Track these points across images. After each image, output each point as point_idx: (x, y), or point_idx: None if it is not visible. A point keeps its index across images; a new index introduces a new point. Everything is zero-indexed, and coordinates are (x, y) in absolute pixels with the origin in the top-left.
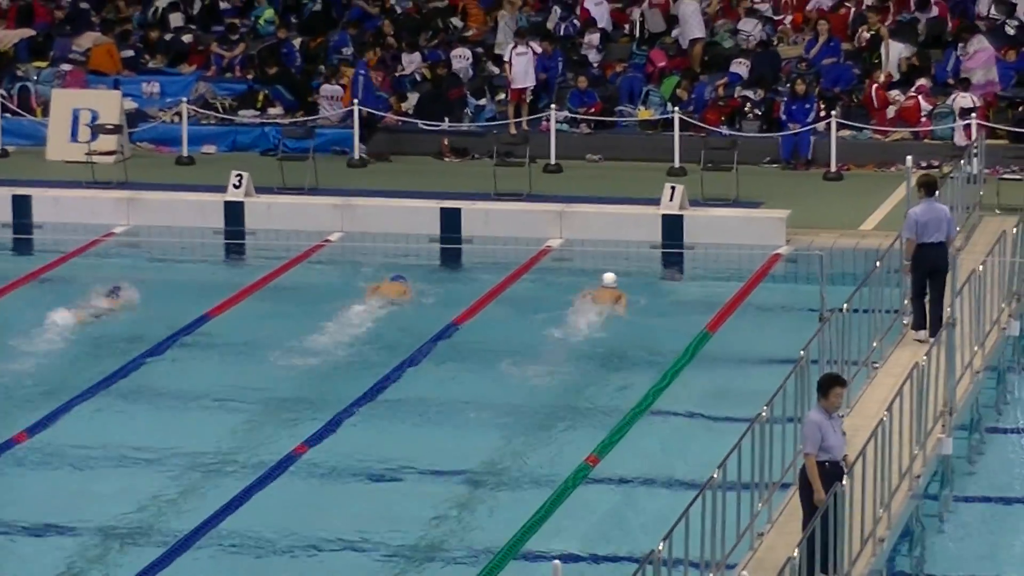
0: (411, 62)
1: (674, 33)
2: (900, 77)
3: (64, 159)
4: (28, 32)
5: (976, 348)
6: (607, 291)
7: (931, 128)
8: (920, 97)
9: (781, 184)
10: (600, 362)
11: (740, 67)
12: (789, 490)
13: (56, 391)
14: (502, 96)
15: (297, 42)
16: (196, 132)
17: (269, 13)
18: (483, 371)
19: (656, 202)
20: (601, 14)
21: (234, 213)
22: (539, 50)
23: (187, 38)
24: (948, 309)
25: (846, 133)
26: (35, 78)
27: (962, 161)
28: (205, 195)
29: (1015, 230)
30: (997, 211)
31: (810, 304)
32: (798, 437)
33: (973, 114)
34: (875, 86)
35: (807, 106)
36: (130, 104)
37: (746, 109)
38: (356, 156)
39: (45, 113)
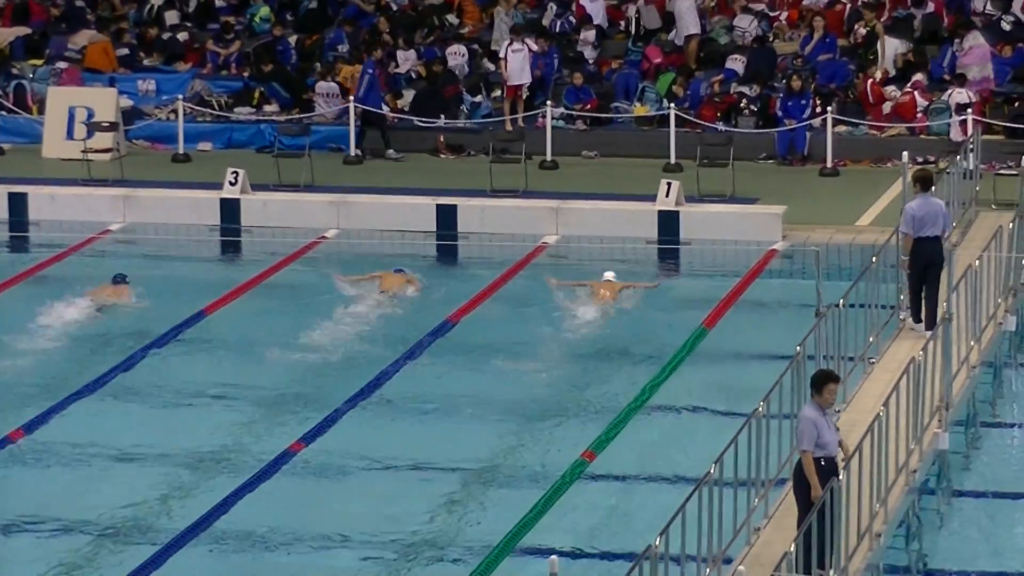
0: (406, 59)
1: (672, 35)
2: (896, 73)
3: (60, 157)
4: (24, 30)
5: (972, 343)
6: (607, 285)
7: (927, 124)
8: (916, 93)
9: (777, 180)
10: (596, 358)
11: (736, 63)
12: (786, 485)
13: (51, 388)
14: (498, 93)
15: (293, 39)
16: (192, 129)
17: (265, 11)
18: (479, 367)
19: (652, 198)
20: (597, 11)
21: (230, 210)
22: (535, 47)
23: (183, 36)
24: (944, 304)
25: (842, 129)
26: (31, 76)
27: (958, 157)
28: (201, 192)
29: (1011, 225)
30: (993, 206)
31: (806, 300)
32: (794, 433)
33: (969, 110)
34: (870, 82)
35: (803, 102)
36: (126, 102)
37: (742, 105)
38: (352, 153)
39: (41, 111)
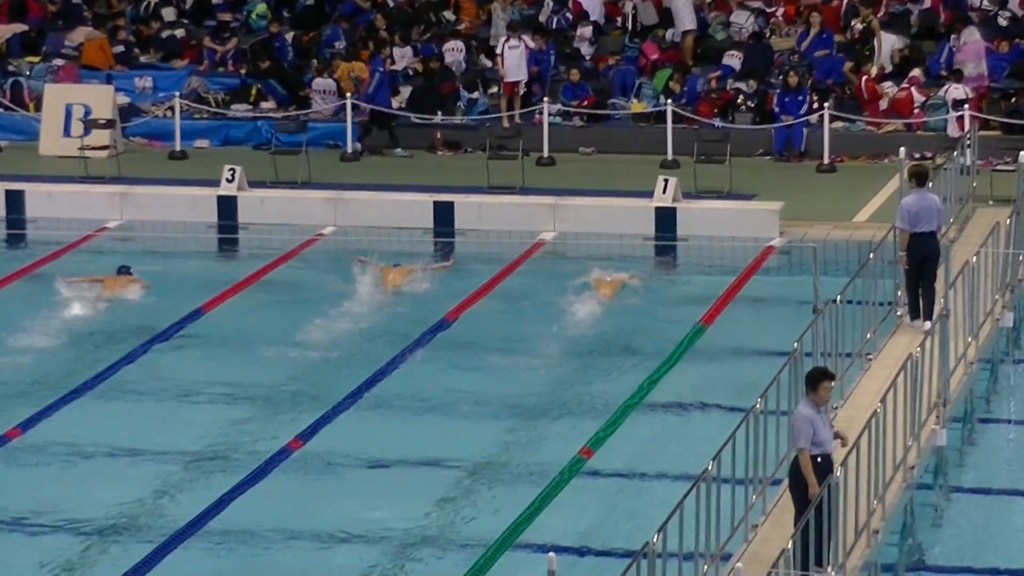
0: (403, 56)
1: (669, 34)
2: (893, 69)
3: (57, 154)
4: (20, 27)
5: (970, 339)
6: (607, 282)
7: (924, 120)
8: (913, 88)
9: (774, 176)
10: (594, 355)
11: (733, 59)
12: (783, 483)
13: (48, 386)
14: (495, 89)
15: (289, 36)
16: (189, 127)
17: (261, 8)
18: (477, 364)
19: (649, 195)
20: (593, 7)
21: (227, 207)
22: (532, 43)
23: (179, 33)
24: (942, 300)
25: (839, 125)
26: (27, 73)
27: (955, 152)
28: (198, 189)
29: (1008, 221)
30: (990, 202)
31: (804, 296)
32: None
33: (966, 105)
34: (865, 78)
35: (800, 98)
36: (123, 99)
37: (739, 101)
38: (350, 150)
39: (38, 108)
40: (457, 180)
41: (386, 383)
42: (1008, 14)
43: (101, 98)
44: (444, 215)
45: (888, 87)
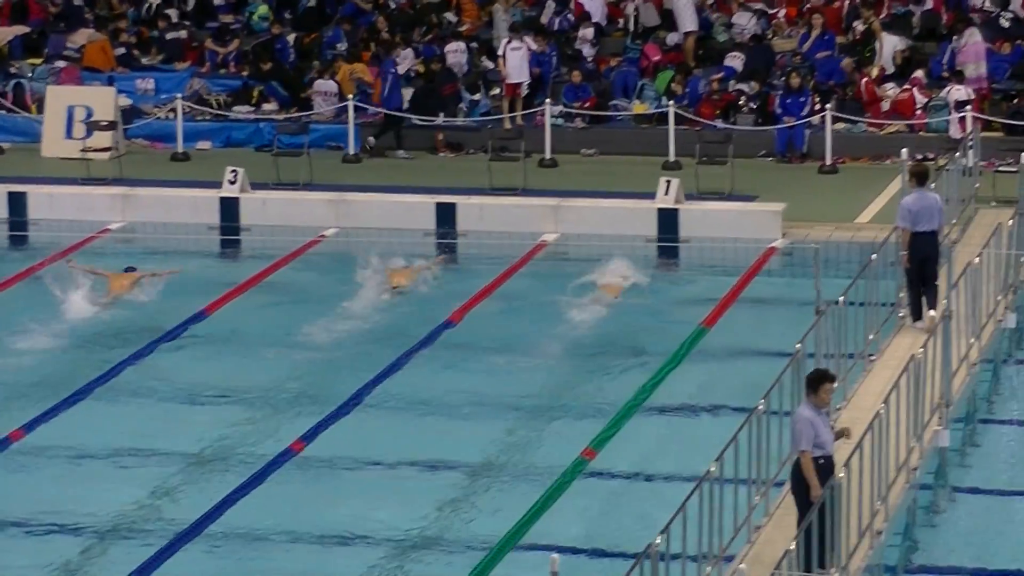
0: (405, 58)
1: (671, 38)
2: (895, 70)
3: (59, 156)
4: (22, 29)
5: (972, 340)
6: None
7: (926, 121)
8: (915, 90)
9: (776, 177)
10: (596, 356)
11: (734, 61)
12: (786, 484)
13: (51, 388)
14: (497, 91)
15: (291, 38)
16: (191, 128)
17: (263, 9)
18: (479, 365)
19: (651, 196)
20: (595, 8)
21: (229, 209)
22: (534, 45)
23: (181, 34)
24: (944, 301)
25: (841, 126)
26: (29, 75)
27: (957, 154)
28: (200, 191)
29: (1010, 222)
30: (992, 204)
31: (806, 297)
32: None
33: (968, 107)
34: (865, 80)
35: (802, 99)
36: (125, 101)
37: (741, 103)
38: (351, 152)
39: (40, 110)
40: (459, 181)
41: (388, 384)
42: (1010, 15)
43: (103, 100)
44: (446, 216)
45: (890, 88)
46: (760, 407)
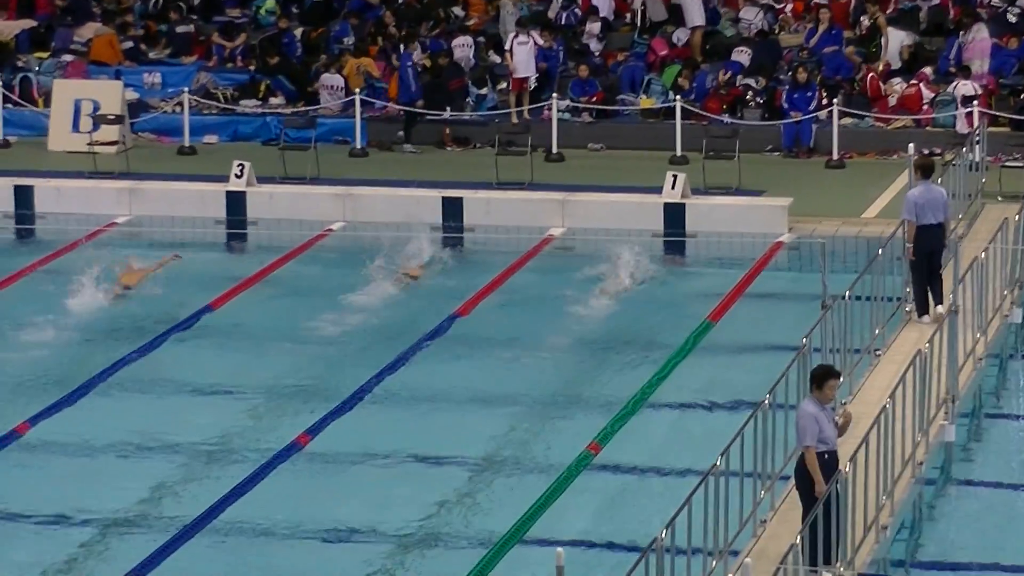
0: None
1: (677, 36)
2: (902, 65)
3: (66, 149)
4: (29, 23)
5: (978, 335)
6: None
7: (933, 116)
8: (922, 85)
9: (783, 172)
10: (602, 350)
11: (741, 55)
12: (791, 478)
13: (58, 381)
14: (504, 85)
15: (298, 32)
16: (198, 122)
17: (270, 3)
18: (485, 360)
19: (658, 191)
20: (602, 3)
21: (236, 203)
22: (540, 40)
23: (188, 28)
24: (950, 296)
25: (848, 121)
26: (36, 69)
27: (964, 149)
28: (207, 185)
29: (1017, 217)
30: (999, 198)
31: (812, 292)
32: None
33: (975, 102)
34: (871, 75)
35: (808, 94)
36: (131, 94)
37: (748, 97)
38: (358, 146)
39: (47, 104)
40: (466, 176)
41: (395, 378)
42: (1017, 10)
43: (110, 94)
44: (453, 211)
45: (897, 83)
46: (766, 402)
